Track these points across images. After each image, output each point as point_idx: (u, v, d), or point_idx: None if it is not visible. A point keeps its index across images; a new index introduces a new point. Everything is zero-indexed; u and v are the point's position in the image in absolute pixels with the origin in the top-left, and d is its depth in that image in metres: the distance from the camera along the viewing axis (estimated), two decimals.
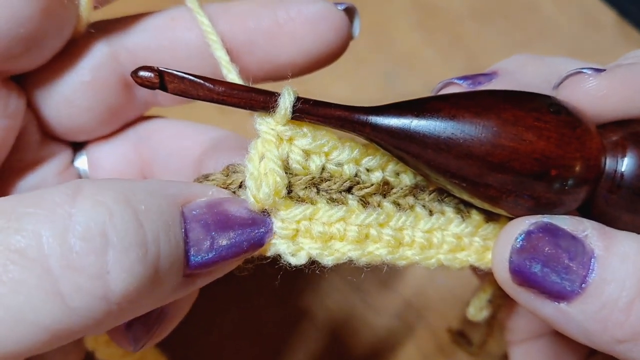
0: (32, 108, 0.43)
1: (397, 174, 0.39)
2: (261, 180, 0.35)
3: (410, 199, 0.39)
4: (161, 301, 0.33)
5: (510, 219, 0.37)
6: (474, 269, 0.41)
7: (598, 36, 0.80)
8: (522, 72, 0.40)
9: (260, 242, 0.35)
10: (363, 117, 0.35)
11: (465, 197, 0.37)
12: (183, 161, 0.45)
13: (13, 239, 0.27)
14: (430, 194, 0.40)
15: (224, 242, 0.33)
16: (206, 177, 0.38)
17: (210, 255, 0.33)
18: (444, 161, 0.35)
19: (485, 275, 0.44)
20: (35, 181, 0.44)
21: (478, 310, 0.45)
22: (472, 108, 0.35)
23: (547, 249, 0.34)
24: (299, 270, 0.56)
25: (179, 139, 0.46)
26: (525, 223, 0.35)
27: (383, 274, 0.66)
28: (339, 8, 0.42)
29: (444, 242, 0.39)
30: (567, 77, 0.37)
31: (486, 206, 0.37)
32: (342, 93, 0.74)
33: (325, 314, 0.65)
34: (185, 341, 0.63)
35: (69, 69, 0.42)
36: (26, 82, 0.42)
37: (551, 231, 0.35)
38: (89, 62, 0.42)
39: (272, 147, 0.36)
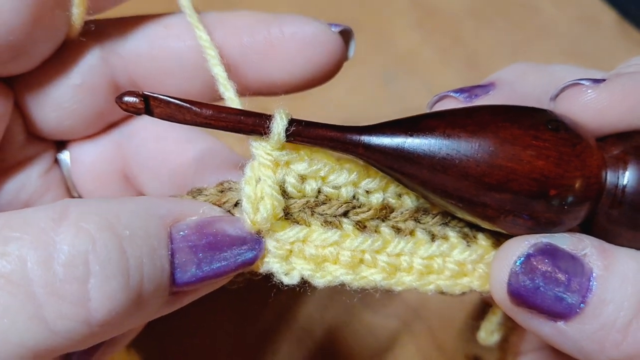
0: (18, 108, 0.42)
1: (399, 196, 0.38)
2: (258, 203, 0.35)
3: (410, 223, 0.38)
4: (147, 318, 0.33)
5: (509, 235, 0.36)
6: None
7: (598, 36, 0.80)
8: (521, 82, 0.39)
9: (249, 262, 0.35)
10: (356, 137, 0.34)
11: (467, 217, 0.36)
12: (164, 165, 0.45)
13: None
14: (434, 217, 0.38)
15: (212, 263, 0.33)
16: (199, 192, 0.37)
17: (197, 275, 0.33)
18: (440, 181, 0.34)
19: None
20: (19, 182, 0.44)
21: (489, 334, 0.44)
22: (468, 127, 0.33)
23: (546, 271, 0.33)
24: None
25: (162, 142, 0.45)
26: (524, 245, 0.34)
27: None
28: (334, 30, 0.41)
29: (445, 269, 0.38)
30: (564, 88, 0.36)
31: (484, 225, 0.36)
32: (340, 93, 0.73)
33: (323, 315, 0.65)
34: (180, 344, 0.63)
35: (59, 71, 0.42)
36: (14, 82, 0.41)
37: (551, 253, 0.34)
38: (80, 66, 0.42)
39: (269, 172, 0.35)
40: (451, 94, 0.38)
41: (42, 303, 0.28)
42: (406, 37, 0.79)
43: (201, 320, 0.64)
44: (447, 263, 0.38)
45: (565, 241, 0.34)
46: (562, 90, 0.36)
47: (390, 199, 0.38)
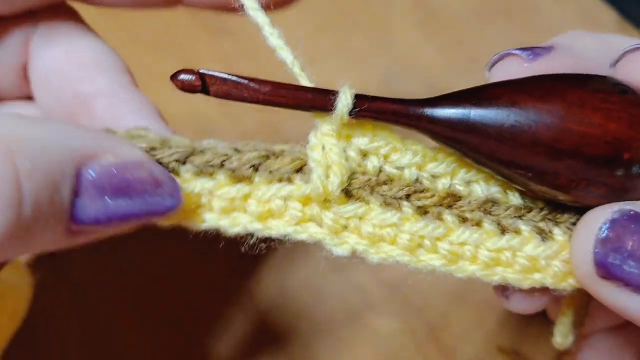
0: None
1: (468, 183, 0.37)
2: (327, 170, 0.34)
3: (478, 214, 0.37)
4: (39, 249, 0.32)
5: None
6: (546, 291, 0.38)
7: None
8: (579, 45, 0.37)
9: (161, 214, 0.33)
10: (418, 110, 0.34)
11: (534, 187, 0.35)
12: (66, 86, 0.41)
13: None
14: (506, 209, 0.37)
15: (118, 208, 0.31)
16: (135, 135, 0.35)
17: (99, 218, 0.31)
18: (509, 151, 0.33)
19: (559, 299, 0.41)
20: None
21: (564, 337, 0.42)
22: (534, 92, 0.33)
23: (633, 237, 0.32)
24: (299, 270, 0.56)
25: (71, 60, 0.42)
26: (608, 212, 0.33)
27: (383, 274, 0.66)
28: None
29: (515, 263, 0.36)
30: (625, 53, 0.35)
31: (556, 193, 0.35)
32: None
33: (324, 314, 0.65)
34: None
35: None
36: None
37: (636, 219, 0.33)
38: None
39: (332, 139, 0.35)
40: (513, 51, 0.37)
41: None
42: (407, 37, 0.79)
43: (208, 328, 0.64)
44: (518, 257, 0.36)
45: None
46: (624, 54, 0.35)
47: (458, 186, 0.37)
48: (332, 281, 0.66)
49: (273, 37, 0.36)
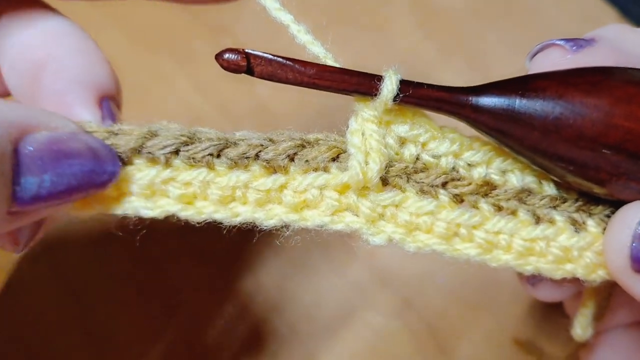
0: None
1: (504, 173, 0.37)
2: (367, 157, 0.34)
3: (513, 203, 0.36)
4: None
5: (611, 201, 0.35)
6: (577, 282, 0.38)
7: None
8: (621, 39, 0.37)
9: (101, 184, 0.33)
10: (463, 98, 0.34)
11: (572, 179, 0.35)
12: (22, 55, 0.40)
13: None
14: (542, 199, 0.37)
15: (59, 183, 0.31)
16: (115, 132, 0.34)
17: (41, 195, 0.30)
18: (552, 143, 0.33)
19: (581, 291, 0.42)
20: None
21: (584, 329, 0.42)
22: (580, 86, 0.32)
23: None
24: (298, 269, 0.56)
25: (31, 25, 0.40)
26: None
27: (383, 273, 0.66)
28: None
29: (549, 253, 0.36)
30: None
31: (591, 186, 0.35)
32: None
33: (324, 314, 0.65)
34: None
35: None
36: None
37: None
38: None
39: (373, 126, 0.35)
40: (556, 42, 0.37)
41: None
42: (407, 37, 0.79)
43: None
44: (551, 247, 0.36)
45: None
46: None
47: (493, 175, 0.37)
48: (331, 282, 0.66)
49: (301, 33, 0.36)
